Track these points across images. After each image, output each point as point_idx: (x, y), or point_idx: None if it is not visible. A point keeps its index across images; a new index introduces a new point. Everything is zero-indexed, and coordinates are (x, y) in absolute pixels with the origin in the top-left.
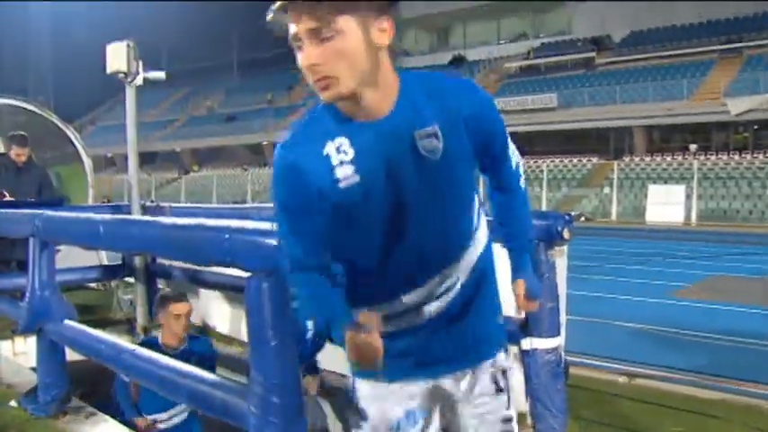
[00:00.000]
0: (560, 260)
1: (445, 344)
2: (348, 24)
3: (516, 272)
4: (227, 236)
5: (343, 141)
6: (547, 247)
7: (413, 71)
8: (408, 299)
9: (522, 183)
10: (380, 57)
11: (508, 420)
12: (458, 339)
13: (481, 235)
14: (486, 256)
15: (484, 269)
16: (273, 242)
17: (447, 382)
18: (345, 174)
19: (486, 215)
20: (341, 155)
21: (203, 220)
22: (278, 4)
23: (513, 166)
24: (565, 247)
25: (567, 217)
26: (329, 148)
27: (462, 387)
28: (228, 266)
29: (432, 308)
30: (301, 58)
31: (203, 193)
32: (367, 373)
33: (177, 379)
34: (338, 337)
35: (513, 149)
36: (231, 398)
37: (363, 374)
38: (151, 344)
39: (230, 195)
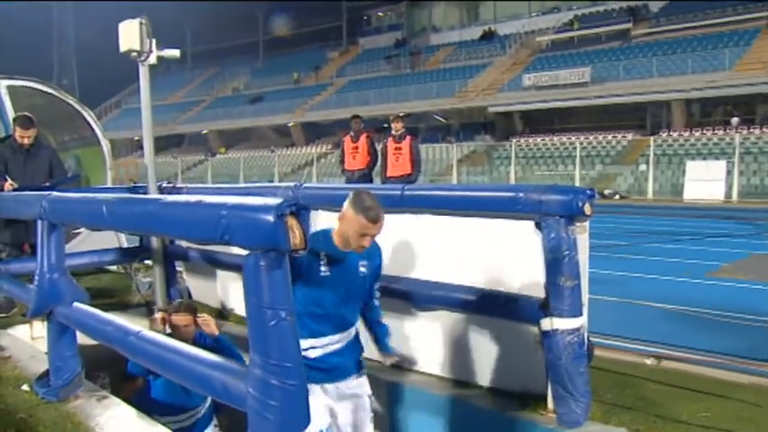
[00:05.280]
0: (582, 237)
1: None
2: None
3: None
4: (224, 212)
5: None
6: (567, 223)
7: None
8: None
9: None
10: None
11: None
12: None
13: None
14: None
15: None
16: (271, 219)
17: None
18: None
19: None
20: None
21: (202, 197)
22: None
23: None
24: (587, 224)
25: (588, 192)
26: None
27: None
28: (226, 244)
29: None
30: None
31: (230, 175)
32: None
33: (179, 360)
34: None
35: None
36: (231, 380)
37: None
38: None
39: (257, 177)
